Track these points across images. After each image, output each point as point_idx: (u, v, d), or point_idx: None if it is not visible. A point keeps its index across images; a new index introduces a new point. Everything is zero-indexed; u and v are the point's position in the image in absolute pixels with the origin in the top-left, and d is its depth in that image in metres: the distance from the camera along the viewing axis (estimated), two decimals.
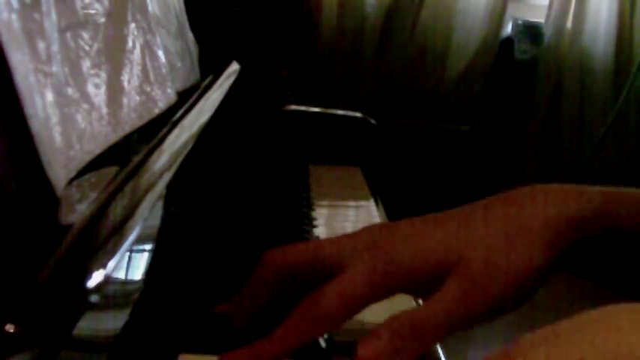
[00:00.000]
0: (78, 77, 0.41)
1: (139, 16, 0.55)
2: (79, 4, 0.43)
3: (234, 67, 0.85)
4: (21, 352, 0.25)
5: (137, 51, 0.54)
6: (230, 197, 0.70)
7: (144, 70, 0.54)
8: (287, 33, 2.02)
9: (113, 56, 0.48)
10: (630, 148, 2.46)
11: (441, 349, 0.49)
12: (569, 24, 2.44)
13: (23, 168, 0.34)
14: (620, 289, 0.42)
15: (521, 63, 2.48)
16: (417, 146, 2.42)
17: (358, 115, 0.98)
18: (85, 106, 0.41)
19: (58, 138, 0.36)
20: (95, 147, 0.41)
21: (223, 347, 0.41)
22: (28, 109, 0.34)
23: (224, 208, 0.67)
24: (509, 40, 2.47)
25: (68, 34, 0.41)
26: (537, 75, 2.47)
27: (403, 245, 0.40)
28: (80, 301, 0.30)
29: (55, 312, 0.29)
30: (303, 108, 0.99)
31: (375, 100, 2.40)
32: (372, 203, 0.82)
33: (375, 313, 0.41)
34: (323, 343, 0.46)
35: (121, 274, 0.36)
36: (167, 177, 0.46)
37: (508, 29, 2.50)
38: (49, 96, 0.36)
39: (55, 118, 0.36)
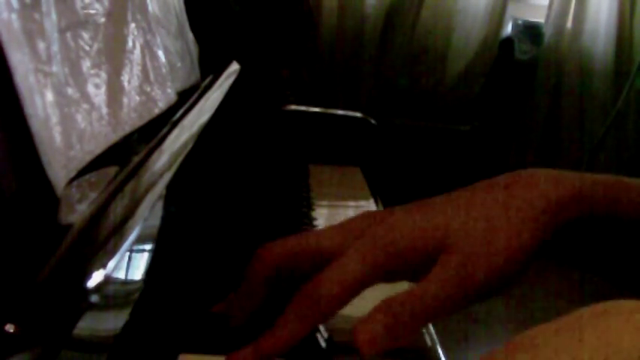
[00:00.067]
0: (78, 77, 0.41)
1: (139, 16, 0.55)
2: (79, 4, 0.43)
3: (234, 67, 0.85)
4: (21, 352, 0.25)
5: (137, 51, 0.54)
6: (230, 197, 0.70)
7: (144, 70, 0.54)
8: (287, 33, 2.02)
9: (113, 56, 0.48)
10: (630, 148, 2.46)
11: (441, 349, 0.49)
12: (569, 24, 2.44)
13: (23, 168, 0.34)
14: (621, 284, 0.43)
15: (521, 63, 2.48)
16: (417, 146, 2.42)
17: (358, 115, 0.98)
18: (85, 106, 0.41)
19: (58, 138, 0.36)
20: (95, 147, 0.41)
21: (223, 347, 0.41)
22: (28, 109, 0.34)
23: (224, 208, 0.67)
24: (509, 40, 2.48)
25: (68, 34, 0.41)
26: (537, 75, 2.47)
27: (394, 229, 0.41)
28: (80, 301, 0.30)
29: (55, 312, 0.29)
30: (303, 108, 0.99)
31: (375, 100, 2.40)
32: (372, 203, 0.82)
33: None
34: (323, 343, 0.46)
35: (121, 274, 0.36)
36: (167, 177, 0.46)
37: (508, 29, 2.50)
38: (49, 96, 0.36)
39: (55, 118, 0.36)
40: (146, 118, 0.52)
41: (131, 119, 0.49)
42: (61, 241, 0.32)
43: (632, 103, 2.41)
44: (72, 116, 0.39)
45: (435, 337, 0.50)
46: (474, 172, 2.44)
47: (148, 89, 0.54)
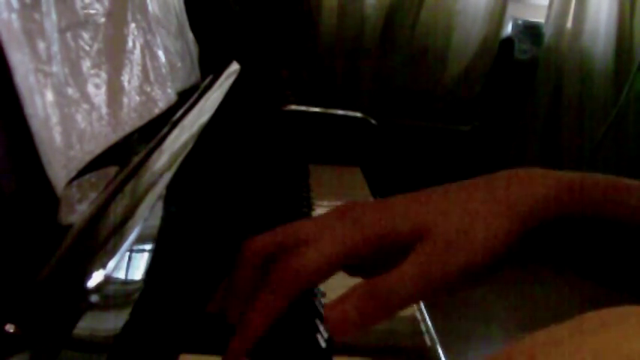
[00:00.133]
0: (78, 77, 0.41)
1: (139, 16, 0.55)
2: (79, 4, 0.43)
3: (234, 67, 0.85)
4: (21, 352, 0.25)
5: (137, 51, 0.54)
6: (230, 197, 0.70)
7: (144, 70, 0.54)
8: (287, 33, 2.02)
9: (113, 56, 0.48)
10: (630, 148, 2.46)
11: (441, 349, 0.49)
12: (569, 24, 2.44)
13: (23, 168, 0.34)
14: (621, 289, 0.42)
15: (521, 63, 2.48)
16: (417, 146, 2.42)
17: (358, 115, 0.98)
18: (85, 106, 0.41)
19: (58, 138, 0.36)
20: (95, 147, 0.41)
21: (223, 347, 0.41)
22: (28, 109, 0.34)
23: (224, 208, 0.67)
24: (509, 40, 2.48)
25: (68, 34, 0.41)
26: (537, 75, 2.47)
27: (372, 213, 0.42)
28: (80, 301, 0.30)
29: (55, 312, 0.29)
30: (303, 108, 0.99)
31: (375, 100, 2.40)
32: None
33: None
34: (323, 343, 0.46)
35: (121, 274, 0.36)
36: (167, 177, 0.46)
37: (508, 29, 2.50)
38: (49, 96, 0.36)
39: (55, 118, 0.36)
40: (146, 118, 0.52)
41: (131, 119, 0.49)
42: (61, 241, 0.32)
43: (632, 103, 2.41)
44: (72, 116, 0.39)
45: (435, 337, 0.50)
46: (474, 172, 2.44)
47: (148, 89, 0.54)
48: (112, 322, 0.35)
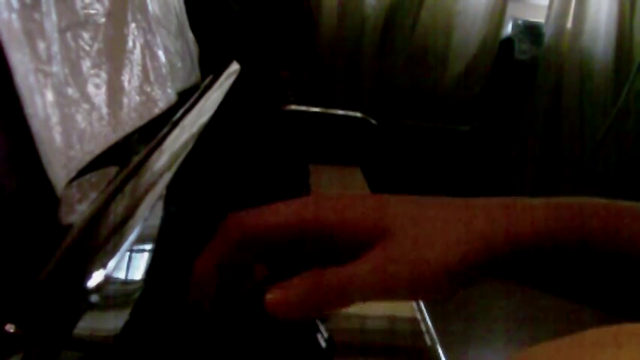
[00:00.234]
0: (78, 77, 0.41)
1: (139, 16, 0.55)
2: (79, 4, 0.43)
3: (234, 67, 0.85)
4: (21, 352, 0.25)
5: (137, 51, 0.54)
6: (230, 197, 0.70)
7: (144, 70, 0.54)
8: (287, 33, 2.02)
9: (113, 56, 0.48)
10: (631, 148, 2.46)
11: (441, 349, 0.49)
12: (569, 24, 2.44)
13: (23, 168, 0.34)
14: (621, 314, 0.42)
15: (521, 63, 2.48)
16: (417, 146, 2.42)
17: (358, 115, 0.98)
18: (85, 106, 0.41)
19: (58, 138, 0.36)
20: (95, 147, 0.41)
21: (224, 347, 0.41)
22: (28, 109, 0.34)
23: (224, 207, 0.67)
24: (509, 40, 2.48)
25: (68, 34, 0.41)
26: (537, 75, 2.47)
27: (340, 200, 0.41)
28: (80, 301, 0.30)
29: (55, 312, 0.29)
30: (303, 108, 0.99)
31: (375, 100, 2.40)
32: None
33: (375, 308, 0.41)
34: (323, 343, 0.46)
35: (121, 274, 0.36)
36: (167, 177, 0.46)
37: (508, 29, 2.50)
38: (49, 96, 0.36)
39: (55, 118, 0.36)
40: (146, 118, 0.52)
41: (131, 119, 0.49)
42: (61, 241, 0.32)
43: (632, 103, 2.41)
44: (72, 116, 0.39)
45: (435, 337, 0.50)
46: (473, 172, 2.44)
47: (148, 89, 0.54)
48: (112, 322, 0.35)
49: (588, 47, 2.43)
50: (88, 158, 0.40)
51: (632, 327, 0.24)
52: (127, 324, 0.36)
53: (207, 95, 0.68)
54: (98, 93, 0.44)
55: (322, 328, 0.47)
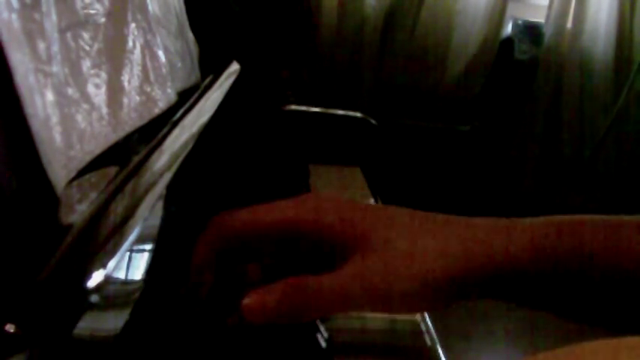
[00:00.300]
0: (78, 77, 0.41)
1: (139, 16, 0.55)
2: (79, 4, 0.43)
3: (234, 67, 0.85)
4: (21, 352, 0.25)
5: (137, 51, 0.54)
6: (230, 197, 0.70)
7: (144, 70, 0.54)
8: (287, 33, 2.02)
9: (113, 56, 0.48)
10: (631, 148, 2.46)
11: (441, 349, 0.49)
12: (569, 24, 2.44)
13: (23, 168, 0.34)
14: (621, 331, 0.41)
15: (521, 63, 2.48)
16: (417, 146, 2.42)
17: (358, 115, 0.98)
18: (85, 106, 0.41)
19: (58, 138, 0.36)
20: (95, 147, 0.41)
21: (223, 347, 0.41)
22: (28, 109, 0.34)
23: (224, 207, 0.67)
24: (509, 40, 2.48)
25: (68, 34, 0.41)
26: (537, 75, 2.47)
27: (325, 203, 0.41)
28: (80, 301, 0.30)
29: (55, 312, 0.29)
30: (303, 108, 0.99)
31: (375, 100, 2.40)
32: (371, 203, 0.82)
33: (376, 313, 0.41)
34: (323, 343, 0.46)
35: (121, 274, 0.36)
36: (167, 177, 0.46)
37: (508, 29, 2.50)
38: (49, 96, 0.36)
39: (55, 118, 0.36)
40: (146, 118, 0.52)
41: (131, 119, 0.49)
42: (61, 241, 0.32)
43: (632, 103, 2.41)
44: (72, 116, 0.39)
45: (435, 337, 0.50)
46: (473, 172, 2.44)
47: (148, 89, 0.54)
48: (112, 322, 0.35)
49: (588, 47, 2.43)
50: (88, 158, 0.40)
51: (631, 340, 0.24)
52: (127, 324, 0.36)
53: (207, 95, 0.68)
54: (98, 93, 0.44)
55: (322, 328, 0.47)
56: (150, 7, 0.59)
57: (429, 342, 0.50)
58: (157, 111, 0.55)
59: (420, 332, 0.50)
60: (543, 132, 2.51)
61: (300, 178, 0.87)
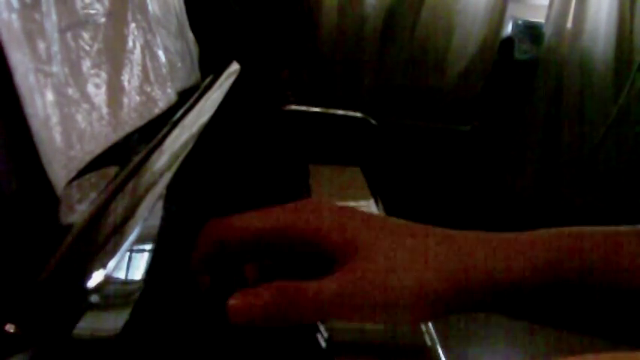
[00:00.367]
0: (78, 77, 0.41)
1: (139, 16, 0.55)
2: (79, 4, 0.43)
3: (234, 67, 0.85)
4: (21, 352, 0.25)
5: (137, 51, 0.54)
6: (230, 197, 0.70)
7: (144, 70, 0.54)
8: (287, 33, 2.02)
9: (113, 56, 0.48)
10: (630, 148, 2.46)
11: (441, 349, 0.49)
12: (569, 24, 2.44)
13: (23, 168, 0.34)
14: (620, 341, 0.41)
15: (521, 63, 2.48)
16: (417, 146, 2.42)
17: (358, 115, 0.98)
18: (85, 106, 0.41)
19: (58, 138, 0.36)
20: (95, 147, 0.41)
21: (223, 347, 0.41)
22: (28, 109, 0.34)
23: (224, 208, 0.67)
24: (509, 40, 2.48)
25: (68, 34, 0.41)
26: (537, 75, 2.47)
27: (322, 211, 0.41)
28: (80, 301, 0.30)
29: (55, 312, 0.29)
30: (303, 108, 0.99)
31: (375, 100, 2.40)
32: (372, 203, 0.82)
33: None
34: (323, 343, 0.46)
35: (121, 274, 0.36)
36: (167, 177, 0.46)
37: (508, 29, 2.50)
38: (49, 96, 0.36)
39: (55, 118, 0.36)
40: (146, 118, 0.52)
41: (131, 119, 0.49)
42: (61, 241, 0.32)
43: (632, 103, 2.41)
44: (72, 116, 0.39)
45: (435, 337, 0.50)
46: (474, 172, 2.44)
47: (148, 89, 0.54)
48: (112, 322, 0.35)
49: (588, 47, 2.43)
50: (88, 158, 0.40)
51: (629, 355, 0.24)
52: (127, 324, 0.36)
53: (207, 95, 0.68)
54: (98, 93, 0.44)
55: (322, 328, 0.47)
56: (150, 7, 0.59)
57: (429, 342, 0.49)
58: (157, 111, 0.55)
59: (420, 332, 0.50)
60: (543, 132, 2.50)
61: (300, 178, 0.87)
